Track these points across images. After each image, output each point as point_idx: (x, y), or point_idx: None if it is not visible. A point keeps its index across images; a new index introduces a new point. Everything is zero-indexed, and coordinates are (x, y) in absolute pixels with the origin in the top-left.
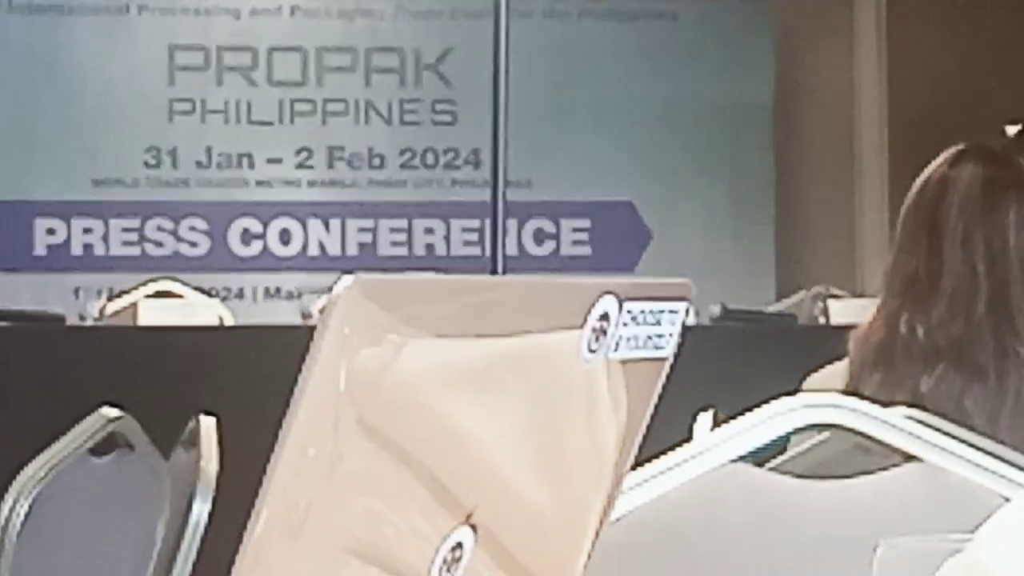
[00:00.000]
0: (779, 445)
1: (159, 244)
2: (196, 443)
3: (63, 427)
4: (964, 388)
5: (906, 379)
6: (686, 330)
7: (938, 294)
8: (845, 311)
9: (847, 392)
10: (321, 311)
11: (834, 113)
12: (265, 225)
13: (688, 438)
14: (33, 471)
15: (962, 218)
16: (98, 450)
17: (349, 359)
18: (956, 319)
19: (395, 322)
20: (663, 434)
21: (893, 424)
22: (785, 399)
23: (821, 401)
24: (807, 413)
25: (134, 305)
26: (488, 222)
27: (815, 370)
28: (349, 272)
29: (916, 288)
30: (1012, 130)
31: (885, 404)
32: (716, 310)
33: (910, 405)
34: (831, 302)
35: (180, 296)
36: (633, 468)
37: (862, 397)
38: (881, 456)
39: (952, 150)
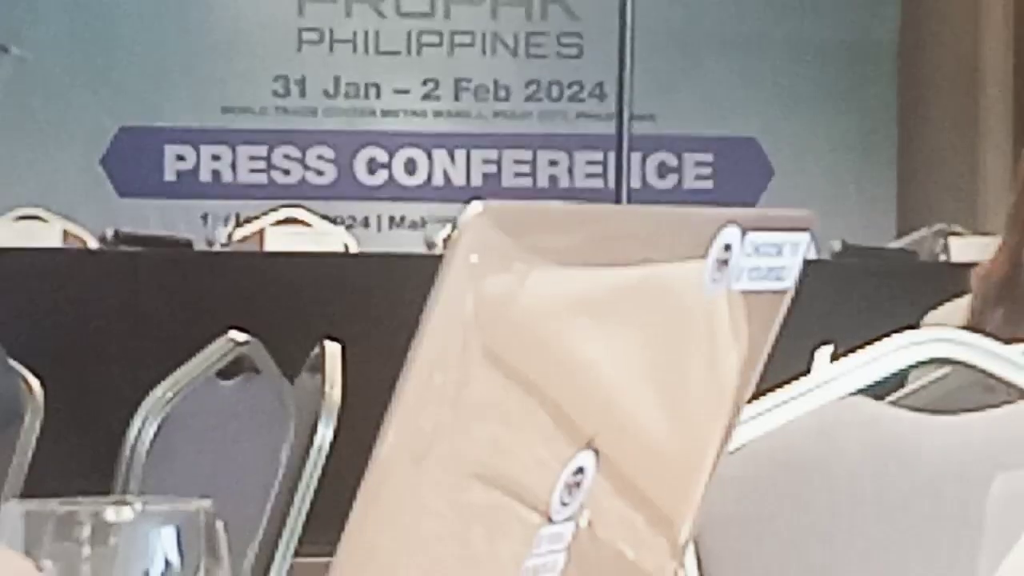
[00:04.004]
0: (897, 380)
1: (286, 172)
2: (321, 368)
3: (191, 350)
4: None
5: None
6: (807, 265)
7: None
8: (967, 249)
9: (968, 328)
10: (446, 240)
11: (958, 50)
12: (391, 155)
13: (806, 372)
14: (161, 392)
15: None
16: (225, 373)
17: (476, 286)
18: None
19: (521, 250)
20: (782, 367)
21: (1012, 360)
22: (904, 333)
23: (940, 336)
24: (926, 347)
25: (261, 231)
26: (612, 155)
27: (935, 307)
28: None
29: None
30: None
31: (1007, 340)
32: (837, 246)
33: None
34: (952, 239)
35: (306, 223)
36: (752, 400)
37: (984, 333)
38: (1003, 392)
39: None
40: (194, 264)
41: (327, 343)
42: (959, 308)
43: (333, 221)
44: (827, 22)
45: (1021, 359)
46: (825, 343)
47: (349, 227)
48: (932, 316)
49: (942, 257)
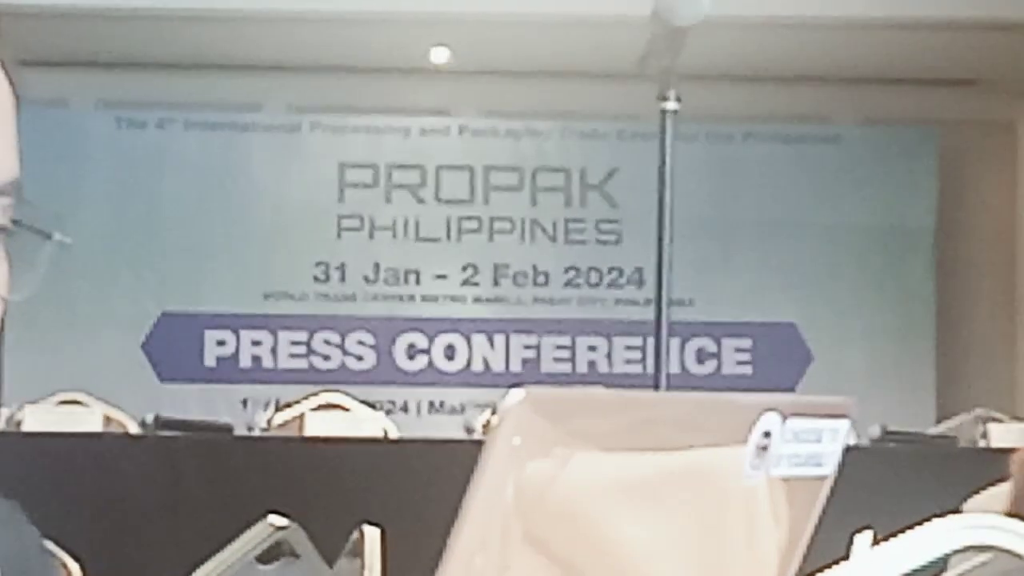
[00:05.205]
0: (938, 566)
1: (326, 357)
2: (359, 553)
3: (231, 534)
4: None
5: None
6: (846, 450)
7: None
8: (1006, 434)
9: (1010, 514)
10: (486, 425)
11: (997, 237)
12: (430, 340)
13: (846, 558)
14: None
15: None
16: (264, 558)
17: (517, 471)
18: None
19: (562, 435)
20: (822, 553)
21: None
22: (945, 519)
23: (982, 522)
24: (967, 534)
25: (301, 416)
26: (651, 340)
27: (976, 492)
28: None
29: None
30: None
31: None
32: (876, 431)
33: None
34: (992, 425)
35: (346, 409)
36: None
37: None
38: None
39: None
40: (234, 449)
41: (366, 528)
42: (1001, 494)
43: (372, 406)
44: (865, 208)
45: None
46: (865, 529)
47: (388, 412)
48: (974, 502)
49: (982, 443)
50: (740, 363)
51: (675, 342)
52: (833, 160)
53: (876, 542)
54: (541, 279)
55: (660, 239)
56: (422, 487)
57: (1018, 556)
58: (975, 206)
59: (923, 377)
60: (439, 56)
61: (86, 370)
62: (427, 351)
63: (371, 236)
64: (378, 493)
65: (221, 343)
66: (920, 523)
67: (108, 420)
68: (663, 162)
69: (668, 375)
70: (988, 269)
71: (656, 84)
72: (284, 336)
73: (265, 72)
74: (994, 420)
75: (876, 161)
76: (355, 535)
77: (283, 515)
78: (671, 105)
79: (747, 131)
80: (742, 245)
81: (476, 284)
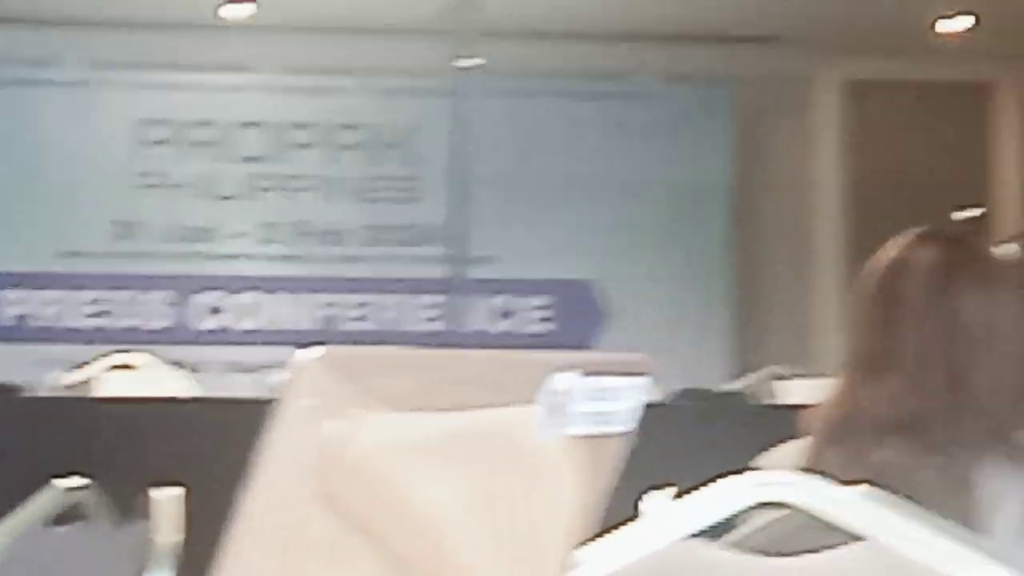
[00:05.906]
0: (729, 523)
1: (122, 316)
2: (149, 514)
3: (23, 497)
4: (916, 464)
5: (863, 454)
6: (643, 408)
7: (895, 370)
8: (799, 390)
9: (806, 468)
10: (281, 384)
11: (792, 195)
12: (228, 299)
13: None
14: None
15: (921, 297)
16: (59, 520)
17: (312, 430)
18: (912, 395)
19: (358, 394)
20: (617, 511)
21: (843, 501)
22: (737, 476)
23: (772, 479)
24: (759, 491)
25: (95, 376)
26: (449, 299)
27: (767, 449)
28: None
29: (874, 364)
30: (961, 216)
31: (843, 480)
32: (671, 388)
33: (867, 481)
34: (785, 382)
35: (140, 368)
36: (586, 543)
37: (820, 473)
38: (841, 533)
39: (910, 232)
40: (24, 410)
41: (154, 489)
42: (791, 451)
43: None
44: (663, 165)
45: (851, 500)
46: (658, 487)
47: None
48: (765, 458)
49: (774, 399)
50: (540, 320)
51: (473, 300)
52: (633, 116)
53: (670, 500)
54: (340, 237)
55: (458, 197)
56: (218, 446)
57: (809, 513)
58: (771, 162)
59: (721, 334)
60: (237, 12)
61: None
62: (224, 310)
63: (168, 194)
64: (174, 453)
65: (14, 302)
66: (712, 480)
67: None
68: (460, 119)
69: (466, 333)
70: (784, 225)
71: (455, 41)
72: (79, 295)
73: (58, 27)
74: (787, 377)
75: (674, 117)
76: (146, 496)
77: (79, 476)
78: (467, 62)
79: (546, 87)
80: (542, 202)
81: (274, 242)
